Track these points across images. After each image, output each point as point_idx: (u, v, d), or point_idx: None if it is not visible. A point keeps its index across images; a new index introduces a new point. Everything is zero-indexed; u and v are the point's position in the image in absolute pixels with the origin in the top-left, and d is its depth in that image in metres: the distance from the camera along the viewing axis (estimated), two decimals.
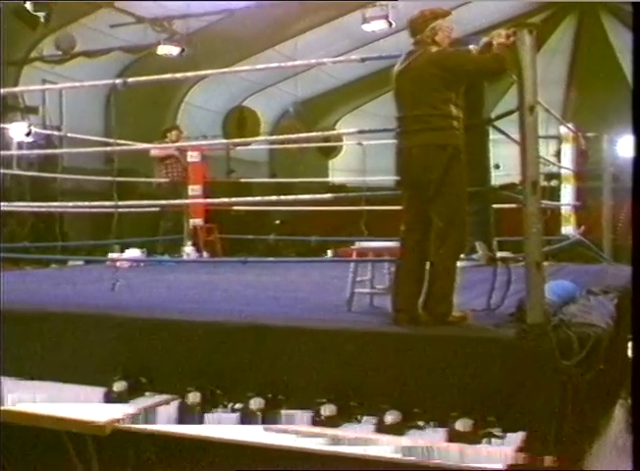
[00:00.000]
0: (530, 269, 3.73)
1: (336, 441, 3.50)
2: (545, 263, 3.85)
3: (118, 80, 6.08)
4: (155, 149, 9.23)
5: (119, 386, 4.07)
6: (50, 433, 3.98)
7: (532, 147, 3.82)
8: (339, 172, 20.13)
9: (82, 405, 3.99)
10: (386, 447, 3.40)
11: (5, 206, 7.71)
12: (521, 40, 3.85)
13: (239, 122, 17.71)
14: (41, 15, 12.11)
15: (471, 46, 4.19)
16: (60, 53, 13.39)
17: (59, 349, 4.49)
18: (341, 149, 19.01)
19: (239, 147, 15.51)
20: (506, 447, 3.32)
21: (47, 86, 12.91)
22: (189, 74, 5.72)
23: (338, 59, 6.39)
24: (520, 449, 3.32)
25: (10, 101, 13.19)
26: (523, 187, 3.80)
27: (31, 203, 7.54)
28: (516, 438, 3.39)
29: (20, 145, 11.11)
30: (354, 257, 4.97)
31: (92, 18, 13.73)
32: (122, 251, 8.52)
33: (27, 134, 10.50)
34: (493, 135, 4.61)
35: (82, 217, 12.56)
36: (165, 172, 9.30)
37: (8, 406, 4.04)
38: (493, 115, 4.62)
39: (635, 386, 3.30)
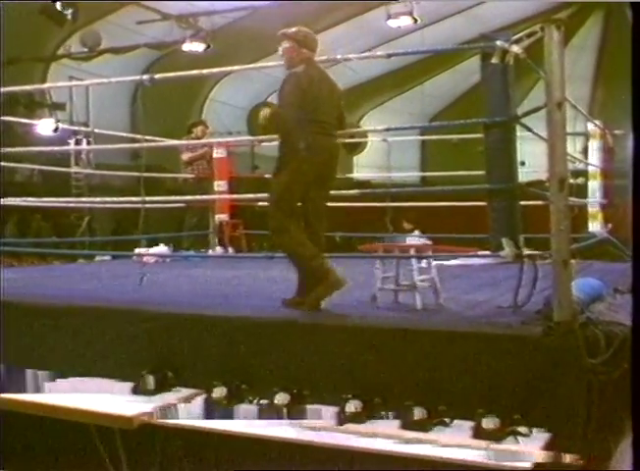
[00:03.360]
0: (557, 266, 3.71)
1: (361, 437, 3.51)
2: (572, 261, 3.83)
3: (145, 76, 6.12)
4: (187, 154, 9.27)
5: (146, 380, 4.10)
6: (78, 426, 4.03)
7: (560, 144, 3.79)
8: (363, 168, 20.12)
9: (110, 399, 4.04)
10: (411, 444, 3.41)
11: (23, 201, 7.77)
12: (549, 36, 3.83)
13: None
14: (68, 12, 12.23)
15: (498, 42, 4.17)
16: (86, 50, 13.51)
17: (87, 343, 4.54)
18: (365, 145, 18.97)
19: (264, 143, 15.54)
20: (532, 446, 3.31)
21: (74, 83, 13.03)
22: (215, 70, 5.75)
23: (364, 55, 6.39)
24: (546, 448, 3.31)
25: (37, 97, 13.34)
26: (551, 184, 3.78)
27: (60, 199, 7.61)
28: (542, 436, 3.39)
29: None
30: (380, 253, 4.96)
31: (119, 15, 13.85)
32: (148, 247, 8.58)
33: (55, 130, 10.58)
34: (519, 132, 4.58)
35: (109, 212, 12.69)
36: (191, 168, 9.34)
37: (37, 399, 4.09)
38: (519, 112, 4.59)
39: (635, 386, 3.27)
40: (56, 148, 9.82)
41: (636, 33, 3.76)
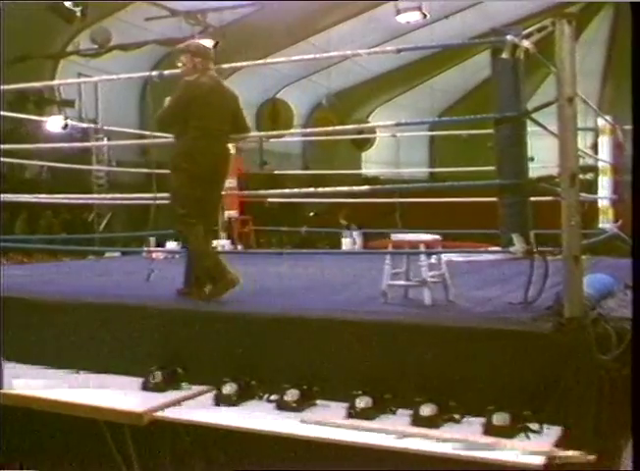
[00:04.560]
0: (568, 262, 3.69)
1: (371, 433, 3.50)
2: (582, 256, 3.81)
3: (154, 73, 6.13)
4: None
5: (155, 376, 4.11)
6: (89, 422, 4.04)
7: (571, 139, 3.78)
8: (371, 164, 20.11)
9: (120, 395, 4.05)
10: (421, 440, 3.40)
11: (33, 198, 7.78)
12: (560, 31, 3.81)
13: (272, 114, 17.76)
14: (77, 9, 12.26)
15: (509, 37, 4.15)
16: (96, 47, 13.54)
17: (97, 340, 4.55)
18: (374, 141, 18.96)
19: (272, 139, 15.58)
20: (542, 442, 3.29)
21: (83, 79, 13.06)
22: (225, 65, 5.74)
23: (373, 50, 6.38)
24: (557, 444, 3.30)
25: (47, 95, 13.37)
26: (562, 180, 3.77)
27: (70, 195, 7.63)
28: (553, 432, 3.37)
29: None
30: (390, 249, 4.94)
31: (127, 12, 13.88)
32: (157, 243, 8.59)
33: (64, 127, 10.62)
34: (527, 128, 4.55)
35: (118, 209, 12.73)
36: None
37: (48, 395, 4.10)
38: (529, 107, 4.56)
39: (635, 385, 3.26)
40: (64, 144, 9.85)
41: (636, 33, 3.75)
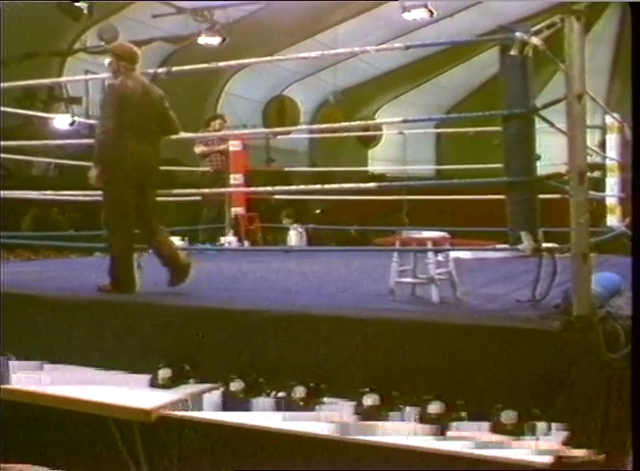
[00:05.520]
0: (577, 260, 3.68)
1: (378, 431, 3.50)
2: (591, 254, 3.80)
3: (160, 69, 6.13)
4: (199, 147, 9.31)
5: (163, 373, 4.11)
6: (97, 418, 4.04)
7: (580, 137, 3.77)
8: (378, 161, 20.09)
9: (128, 392, 4.05)
10: (429, 438, 3.39)
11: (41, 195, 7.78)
12: (569, 27, 3.79)
13: (278, 111, 17.78)
14: (84, 7, 12.28)
15: (518, 33, 4.13)
16: (103, 44, 13.56)
17: (104, 337, 4.55)
18: (380, 139, 18.94)
19: (279, 136, 15.57)
20: (550, 441, 3.28)
21: (90, 76, 13.07)
22: (232, 62, 5.75)
23: (382, 47, 6.38)
24: (565, 443, 3.29)
25: (55, 92, 13.40)
26: (570, 178, 3.76)
27: (75, 192, 7.62)
28: (561, 431, 3.36)
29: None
30: (397, 246, 4.93)
31: (134, 9, 13.89)
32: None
33: (71, 125, 10.64)
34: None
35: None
36: (209, 160, 9.36)
37: (56, 392, 4.11)
38: (537, 105, 4.54)
39: (635, 385, 3.25)
40: (72, 141, 9.85)
41: (636, 33, 3.75)
